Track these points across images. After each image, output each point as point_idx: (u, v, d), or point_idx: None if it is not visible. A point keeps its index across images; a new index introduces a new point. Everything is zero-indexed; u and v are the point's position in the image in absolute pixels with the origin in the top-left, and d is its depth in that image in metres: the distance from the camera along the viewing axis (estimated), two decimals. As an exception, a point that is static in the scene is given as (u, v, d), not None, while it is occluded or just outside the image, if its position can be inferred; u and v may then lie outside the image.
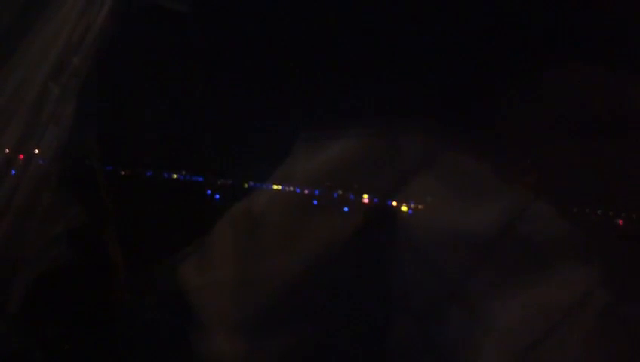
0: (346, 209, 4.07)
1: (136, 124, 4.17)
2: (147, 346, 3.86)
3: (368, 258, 3.88)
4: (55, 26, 3.80)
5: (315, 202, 4.06)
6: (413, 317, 3.74)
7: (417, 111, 3.83)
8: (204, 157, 4.28)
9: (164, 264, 3.93)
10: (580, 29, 3.74)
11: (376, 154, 3.91)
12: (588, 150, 3.68)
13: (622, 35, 3.64)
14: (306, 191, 4.05)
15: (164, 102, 4.19)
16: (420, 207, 3.95)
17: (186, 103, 4.24)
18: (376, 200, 4.04)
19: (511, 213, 3.68)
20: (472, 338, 3.58)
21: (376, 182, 3.98)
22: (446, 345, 3.65)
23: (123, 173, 4.35)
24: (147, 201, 4.21)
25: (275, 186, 4.03)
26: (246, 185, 4.20)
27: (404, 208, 3.95)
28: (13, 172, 3.75)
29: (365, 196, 4.06)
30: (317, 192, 4.08)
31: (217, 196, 4.39)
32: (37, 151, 3.78)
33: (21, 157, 3.77)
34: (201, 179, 4.46)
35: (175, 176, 4.47)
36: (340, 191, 4.09)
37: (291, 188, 4.03)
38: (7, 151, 3.75)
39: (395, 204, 3.96)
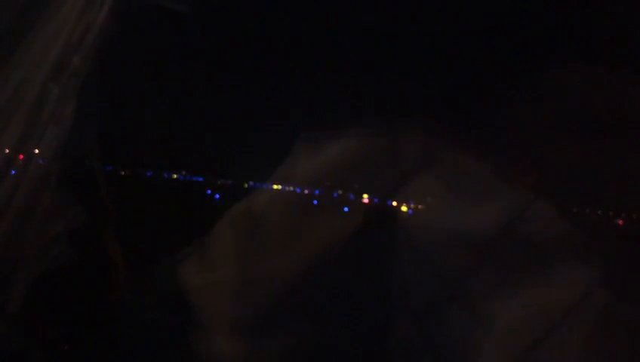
0: (346, 209, 4.07)
1: (136, 124, 4.17)
2: (147, 346, 3.86)
3: (368, 258, 3.88)
4: (55, 26, 3.80)
5: (315, 202, 4.06)
6: (413, 317, 3.74)
7: (417, 111, 3.83)
8: (204, 157, 4.29)
9: (164, 264, 3.93)
10: (580, 29, 3.74)
11: (376, 154, 3.91)
12: (588, 150, 3.68)
13: (622, 35, 3.64)
14: (306, 191, 4.05)
15: (164, 102, 4.19)
16: (420, 207, 3.95)
17: (186, 103, 4.24)
18: (376, 200, 4.04)
19: (511, 213, 3.68)
20: (472, 338, 3.58)
21: (376, 182, 3.98)
22: (446, 345, 3.65)
23: (123, 173, 4.36)
24: (147, 201, 4.21)
25: (275, 186, 4.03)
26: (246, 185, 4.20)
27: (404, 208, 3.95)
28: (13, 172, 3.75)
29: (365, 196, 4.06)
30: (317, 192, 4.08)
31: (217, 196, 4.39)
32: (37, 151, 3.78)
33: (21, 157, 3.77)
34: (201, 179, 4.46)
35: (175, 176, 4.48)
36: (340, 191, 4.10)
37: (291, 188, 4.03)
38: (7, 151, 3.75)
39: (395, 203, 3.96)
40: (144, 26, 3.97)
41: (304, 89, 4.08)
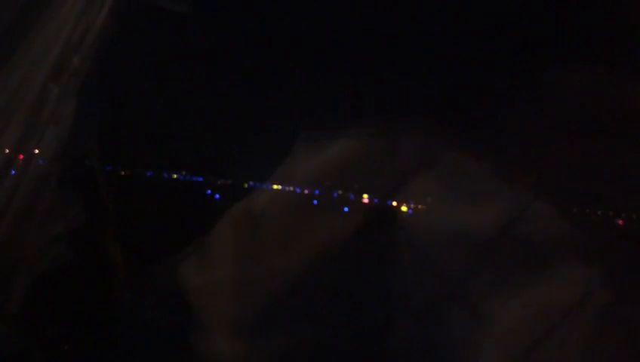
0: (346, 209, 4.07)
1: (136, 124, 4.17)
2: (147, 346, 3.86)
3: (368, 258, 3.87)
4: (55, 25, 3.80)
5: (315, 202, 4.06)
6: (414, 317, 3.74)
7: (417, 111, 3.83)
8: (204, 157, 4.28)
9: (164, 264, 3.93)
10: (580, 29, 3.74)
11: (376, 154, 3.91)
12: (588, 150, 3.68)
13: (622, 35, 3.64)
14: (306, 191, 4.05)
15: (164, 102, 4.19)
16: (420, 207, 3.95)
17: (186, 103, 4.24)
18: (376, 200, 4.04)
19: (511, 213, 3.68)
20: (472, 338, 3.58)
21: (376, 182, 3.98)
22: (446, 345, 3.65)
23: (123, 173, 4.36)
24: (147, 201, 4.21)
25: (275, 186, 4.03)
26: (246, 185, 4.20)
27: (404, 208, 3.95)
28: (13, 172, 3.75)
29: (365, 196, 4.06)
30: (317, 192, 4.08)
31: (217, 196, 4.39)
32: (37, 151, 3.79)
33: (21, 157, 3.77)
34: (201, 179, 4.46)
35: (175, 176, 4.48)
36: (340, 191, 4.10)
37: (291, 188, 4.03)
38: (7, 151, 3.75)
39: (395, 203, 3.96)
40: (144, 26, 3.97)
41: (304, 89, 4.08)
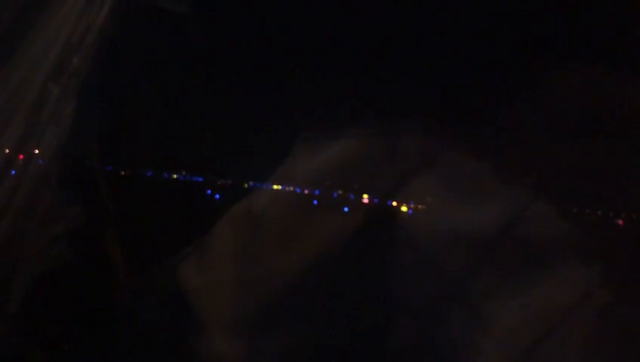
0: (346, 209, 4.07)
1: (136, 124, 4.16)
2: (147, 346, 3.86)
3: (368, 258, 3.87)
4: (55, 25, 3.80)
5: (315, 202, 4.06)
6: (414, 317, 3.74)
7: (417, 111, 3.83)
8: (204, 157, 4.28)
9: (164, 264, 3.93)
10: (580, 29, 3.74)
11: (376, 154, 3.91)
12: (588, 150, 3.68)
13: (622, 35, 3.64)
14: (306, 191, 4.05)
15: (164, 102, 4.19)
16: (420, 207, 3.95)
17: (186, 103, 4.24)
18: (376, 200, 4.04)
19: (511, 213, 3.68)
20: (472, 338, 3.58)
21: (376, 182, 3.98)
22: (446, 345, 3.65)
23: (123, 173, 4.35)
24: (147, 201, 4.21)
25: (275, 186, 4.03)
26: (246, 185, 4.20)
27: (404, 208, 3.95)
28: (13, 172, 3.75)
29: (365, 196, 4.06)
30: (317, 192, 4.08)
31: (217, 196, 4.39)
32: (37, 151, 3.79)
33: (21, 157, 3.77)
34: (201, 179, 4.46)
35: (175, 176, 4.47)
36: (340, 191, 4.10)
37: (291, 188, 4.03)
38: (7, 151, 3.75)
39: (395, 203, 3.96)
40: (144, 26, 3.97)
41: (304, 89, 4.08)
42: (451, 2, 3.93)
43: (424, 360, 3.70)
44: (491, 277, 3.62)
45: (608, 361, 3.46)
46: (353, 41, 4.00)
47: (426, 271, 3.72)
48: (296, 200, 4.01)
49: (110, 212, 4.04)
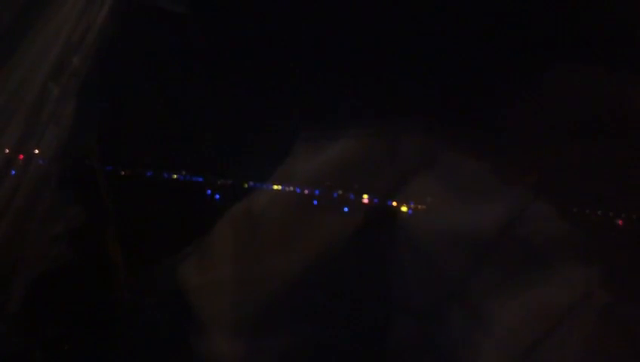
0: (346, 209, 4.07)
1: (136, 124, 4.16)
2: (147, 346, 3.86)
3: (368, 258, 3.87)
4: (55, 25, 3.80)
5: (315, 202, 4.06)
6: (414, 317, 3.74)
7: (417, 111, 3.83)
8: (204, 157, 4.28)
9: (164, 264, 3.93)
10: (580, 29, 3.74)
11: (376, 154, 3.91)
12: (588, 150, 3.68)
13: (622, 35, 3.64)
14: (306, 191, 4.05)
15: (164, 102, 4.19)
16: (420, 207, 3.95)
17: (186, 103, 4.24)
18: (376, 200, 4.04)
19: (511, 213, 3.68)
20: (472, 338, 3.58)
21: (376, 182, 3.98)
22: (446, 345, 3.65)
23: (123, 173, 4.35)
24: (147, 201, 4.21)
25: (275, 186, 4.03)
26: (246, 185, 4.20)
27: (404, 208, 3.95)
28: (13, 172, 3.75)
29: (365, 196, 4.06)
30: (317, 192, 4.08)
31: (217, 196, 4.39)
32: (37, 151, 3.78)
33: (21, 157, 3.77)
34: (201, 179, 4.46)
35: (175, 176, 4.47)
36: (340, 191, 4.10)
37: (291, 188, 4.03)
38: (7, 151, 3.75)
39: (395, 204, 3.96)
40: (144, 26, 3.97)
41: (304, 89, 4.08)
42: (451, 2, 3.93)
43: (424, 360, 3.70)
44: (491, 277, 3.62)
45: (608, 361, 3.46)
46: (353, 41, 4.00)
47: (426, 271, 3.72)
48: (296, 201, 4.01)
49: (110, 212, 4.04)
